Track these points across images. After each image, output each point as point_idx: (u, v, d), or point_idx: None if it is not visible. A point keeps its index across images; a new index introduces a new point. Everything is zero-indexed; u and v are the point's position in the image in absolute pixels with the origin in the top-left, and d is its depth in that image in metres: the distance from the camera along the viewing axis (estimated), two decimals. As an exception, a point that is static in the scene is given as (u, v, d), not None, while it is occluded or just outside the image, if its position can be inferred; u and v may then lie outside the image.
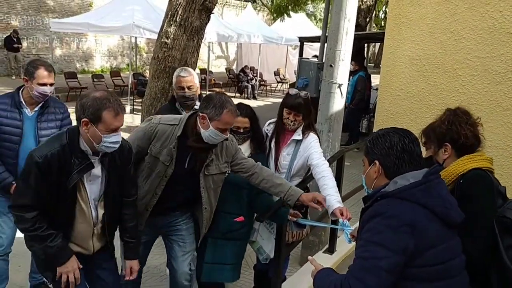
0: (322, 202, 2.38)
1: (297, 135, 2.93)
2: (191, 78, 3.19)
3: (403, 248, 1.48)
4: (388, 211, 1.54)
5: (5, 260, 3.12)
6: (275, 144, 2.99)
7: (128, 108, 12.48)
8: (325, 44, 4.06)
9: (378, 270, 1.47)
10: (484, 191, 1.91)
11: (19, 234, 3.47)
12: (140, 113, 11.56)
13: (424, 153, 2.23)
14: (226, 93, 13.24)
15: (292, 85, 10.62)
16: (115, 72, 15.49)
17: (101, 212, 2.25)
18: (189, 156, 2.42)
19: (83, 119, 2.00)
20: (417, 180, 1.59)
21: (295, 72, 20.34)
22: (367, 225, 1.58)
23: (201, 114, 2.34)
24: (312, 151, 2.85)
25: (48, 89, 2.98)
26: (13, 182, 2.94)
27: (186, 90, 3.16)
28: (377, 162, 1.67)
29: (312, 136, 2.93)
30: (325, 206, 2.36)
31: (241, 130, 2.80)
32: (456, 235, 1.65)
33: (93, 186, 2.18)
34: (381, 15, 27.74)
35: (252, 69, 18.94)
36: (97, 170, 2.17)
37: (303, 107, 2.87)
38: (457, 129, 2.03)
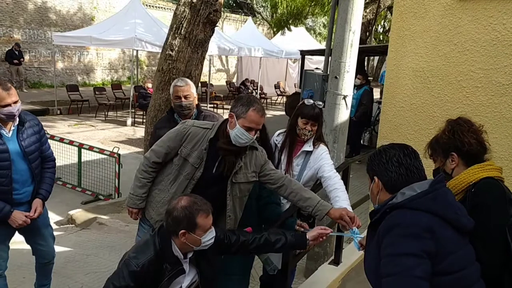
0: (348, 223, 2.32)
1: (308, 146, 2.93)
2: (188, 87, 3.21)
3: (428, 252, 1.48)
4: (404, 221, 1.54)
5: (2, 276, 3.06)
6: (287, 154, 2.99)
7: (129, 121, 12.54)
8: (329, 57, 4.09)
9: (415, 280, 1.44)
10: (496, 200, 1.91)
11: (21, 246, 3.47)
12: (140, 126, 11.69)
13: (433, 165, 2.24)
14: (227, 106, 13.22)
15: (289, 97, 10.61)
16: (116, 85, 15.58)
17: None
18: (218, 161, 2.42)
19: (181, 231, 2.02)
20: (424, 189, 1.61)
21: (295, 85, 20.51)
22: (385, 239, 1.56)
23: (229, 113, 2.36)
24: (323, 163, 2.84)
25: (13, 108, 2.73)
26: (12, 210, 2.82)
27: (183, 99, 3.17)
28: (376, 178, 1.73)
29: (323, 148, 2.94)
30: (351, 227, 2.30)
31: None
32: (468, 242, 1.65)
33: (176, 285, 2.16)
34: (380, 29, 28.03)
35: (252, 82, 19.06)
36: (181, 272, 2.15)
37: (320, 117, 2.90)
38: (460, 137, 2.04)
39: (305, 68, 11.52)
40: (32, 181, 2.97)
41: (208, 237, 2.08)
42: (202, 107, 3.53)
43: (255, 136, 2.38)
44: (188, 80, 3.35)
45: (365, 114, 9.20)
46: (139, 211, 2.64)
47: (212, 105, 14.94)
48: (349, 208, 2.52)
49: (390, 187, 1.68)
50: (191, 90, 3.24)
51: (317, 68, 8.36)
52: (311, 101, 2.93)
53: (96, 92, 13.79)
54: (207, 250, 2.16)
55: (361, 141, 9.94)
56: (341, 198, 2.60)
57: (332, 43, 4.05)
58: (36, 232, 3.14)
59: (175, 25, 4.90)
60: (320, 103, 2.95)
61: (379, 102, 9.46)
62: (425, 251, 1.48)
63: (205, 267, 2.20)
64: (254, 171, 2.49)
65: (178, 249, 2.09)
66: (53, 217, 5.66)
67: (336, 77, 3.75)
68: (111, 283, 2.05)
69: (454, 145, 2.05)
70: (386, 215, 1.62)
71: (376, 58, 26.27)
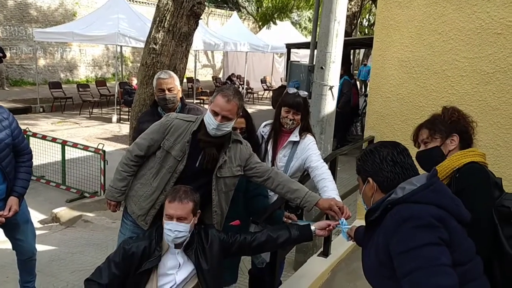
0: (337, 213, 2.29)
1: (294, 137, 2.89)
2: (172, 80, 3.15)
3: (445, 240, 1.43)
4: (414, 213, 1.47)
5: None
6: (272, 145, 2.95)
7: (114, 118, 12.38)
8: (315, 48, 4.07)
9: (443, 268, 1.37)
10: (480, 183, 1.92)
11: (5, 246, 3.38)
12: (126, 122, 11.54)
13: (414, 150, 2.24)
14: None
15: (275, 91, 10.59)
16: (100, 82, 15.35)
17: None
18: (201, 155, 2.38)
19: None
20: (423, 183, 1.56)
21: (281, 80, 20.47)
22: (395, 237, 1.48)
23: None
24: (311, 153, 2.81)
25: None
26: None
27: (167, 92, 3.12)
28: (370, 179, 1.66)
29: (309, 138, 2.90)
30: (340, 217, 2.27)
31: (237, 131, 2.75)
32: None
33: (166, 278, 2.16)
34: (365, 23, 28.14)
35: (238, 77, 18.99)
36: (173, 263, 2.16)
37: (302, 106, 2.85)
38: (465, 121, 2.11)
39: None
40: (4, 179, 2.83)
41: (167, 226, 2.07)
42: (187, 101, 3.47)
43: (226, 125, 2.30)
44: (172, 73, 3.28)
45: (348, 103, 9.19)
46: (118, 204, 2.61)
47: (198, 101, 14.85)
48: (338, 198, 2.49)
49: (386, 187, 1.61)
50: (175, 82, 3.18)
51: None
52: (295, 90, 2.89)
53: (80, 89, 13.56)
54: (206, 247, 2.17)
55: (353, 132, 9.99)
56: (329, 188, 2.57)
57: (318, 34, 4.03)
58: (14, 228, 3.03)
59: (158, 18, 4.82)
60: (305, 92, 2.91)
61: (366, 95, 9.50)
62: (442, 239, 1.42)
63: (204, 263, 2.17)
64: (239, 165, 2.45)
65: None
66: (37, 216, 5.56)
67: (322, 68, 3.73)
68: (110, 255, 2.22)
69: (459, 128, 2.10)
70: (387, 212, 1.55)
71: (362, 52, 26.39)
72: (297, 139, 2.89)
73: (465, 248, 1.52)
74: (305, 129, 2.93)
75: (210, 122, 2.29)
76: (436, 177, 1.61)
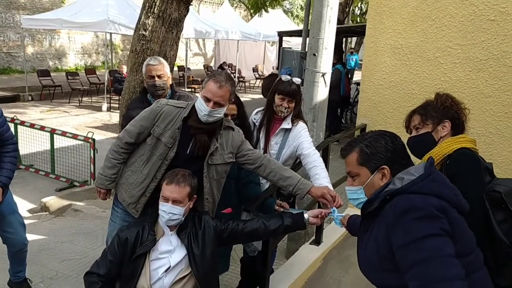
0: (329, 202, 2.26)
1: (286, 124, 2.86)
2: (161, 66, 3.10)
3: (447, 231, 1.38)
4: (414, 205, 1.41)
5: None
6: (265, 132, 2.92)
7: (105, 106, 12.25)
8: (307, 36, 4.01)
9: (449, 259, 1.32)
10: (471, 168, 1.90)
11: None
12: (116, 111, 11.42)
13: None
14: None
15: (266, 79, 10.53)
16: (90, 70, 15.13)
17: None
18: (192, 142, 2.35)
19: None
20: (421, 173, 1.51)
21: (273, 68, 20.38)
22: (396, 228, 1.42)
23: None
24: (302, 140, 2.79)
25: None
26: None
27: (156, 79, 3.07)
28: (387, 168, 1.53)
29: (301, 125, 2.87)
30: (332, 205, 2.24)
31: (229, 117, 2.71)
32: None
33: (159, 261, 2.16)
34: (357, 11, 28.02)
35: (230, 65, 18.86)
36: (167, 247, 2.16)
37: (297, 94, 2.82)
38: (458, 108, 2.07)
39: (283, 50, 11.38)
40: None
41: (162, 208, 2.10)
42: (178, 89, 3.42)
43: (217, 111, 2.26)
44: (161, 59, 3.22)
45: (334, 89, 9.11)
46: (108, 192, 2.57)
47: (190, 89, 14.74)
48: (330, 186, 2.47)
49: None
50: (164, 69, 3.13)
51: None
52: (288, 77, 2.85)
53: (69, 77, 13.36)
54: (199, 232, 2.17)
55: (342, 121, 9.97)
56: (321, 175, 2.55)
57: (310, 21, 3.98)
58: (1, 220, 2.97)
59: (147, 4, 4.72)
60: (298, 79, 2.87)
61: (357, 84, 9.49)
62: (444, 230, 1.37)
63: (196, 248, 2.16)
64: (230, 152, 2.42)
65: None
66: (26, 205, 5.49)
67: (314, 54, 3.68)
68: (105, 248, 2.28)
69: (451, 114, 2.06)
70: (386, 203, 1.49)
71: (354, 41, 26.33)
72: (289, 126, 2.86)
73: (467, 238, 1.48)
74: (297, 116, 2.90)
75: (202, 108, 2.25)
76: (434, 167, 1.56)
